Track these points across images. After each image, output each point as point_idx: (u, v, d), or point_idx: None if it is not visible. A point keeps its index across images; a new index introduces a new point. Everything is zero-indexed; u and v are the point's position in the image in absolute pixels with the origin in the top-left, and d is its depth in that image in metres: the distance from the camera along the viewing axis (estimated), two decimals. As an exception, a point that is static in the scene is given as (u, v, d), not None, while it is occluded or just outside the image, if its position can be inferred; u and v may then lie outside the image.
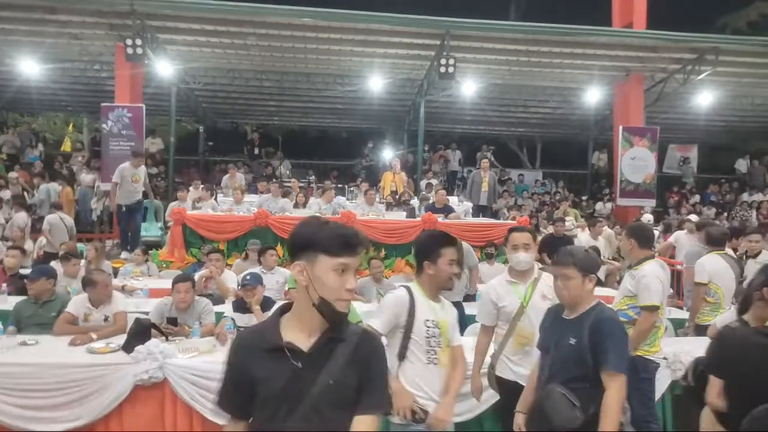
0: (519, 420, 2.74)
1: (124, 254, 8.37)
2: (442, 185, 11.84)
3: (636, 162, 12.99)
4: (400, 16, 10.58)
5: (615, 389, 2.35)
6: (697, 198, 15.75)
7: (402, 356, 2.65)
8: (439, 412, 2.62)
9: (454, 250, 2.75)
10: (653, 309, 3.43)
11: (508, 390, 3.08)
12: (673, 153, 18.18)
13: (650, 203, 13.15)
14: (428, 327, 2.65)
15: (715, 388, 2.48)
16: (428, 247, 2.75)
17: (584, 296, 2.54)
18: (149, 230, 9.36)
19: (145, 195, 9.17)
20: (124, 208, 8.57)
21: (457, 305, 5.21)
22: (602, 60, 12.13)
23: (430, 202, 9.77)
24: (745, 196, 15.63)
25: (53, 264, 5.90)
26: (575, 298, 2.53)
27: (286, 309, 1.61)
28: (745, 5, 21.41)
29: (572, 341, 2.46)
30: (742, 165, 17.97)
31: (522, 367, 3.05)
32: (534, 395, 2.65)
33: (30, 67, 12.47)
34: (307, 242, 1.50)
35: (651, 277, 3.45)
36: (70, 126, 18.46)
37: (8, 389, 3.55)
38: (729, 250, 5.31)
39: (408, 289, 2.75)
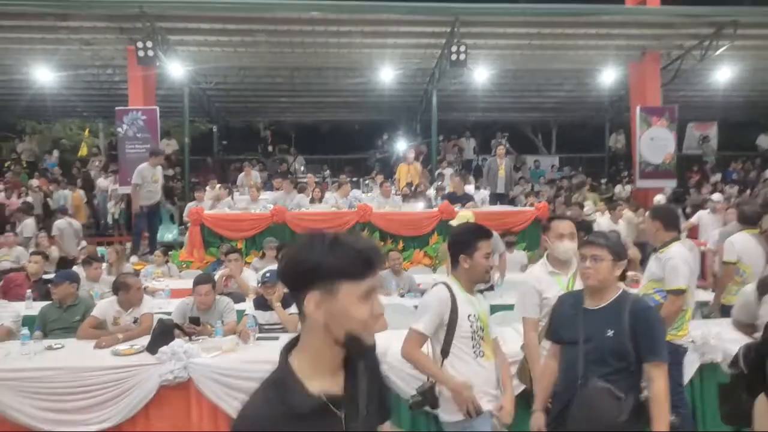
0: (539, 420, 2.62)
1: (133, 258, 8.39)
2: (458, 173, 11.76)
3: (655, 142, 12.77)
4: (408, 4, 10.48)
5: (663, 379, 2.33)
6: (718, 177, 15.43)
7: (446, 353, 2.63)
8: (508, 405, 2.64)
9: (490, 243, 2.74)
10: (680, 293, 3.35)
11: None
12: (692, 132, 17.83)
13: (671, 184, 12.94)
14: (471, 321, 2.64)
15: None
16: (464, 241, 2.72)
17: (611, 281, 2.46)
18: (165, 234, 9.46)
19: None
20: (144, 209, 8.66)
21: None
22: (616, 39, 11.90)
23: (447, 191, 9.70)
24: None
25: (74, 268, 5.96)
26: (603, 282, 2.44)
27: (288, 348, 1.31)
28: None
29: (610, 333, 2.36)
30: (764, 141, 17.58)
31: None
32: (559, 392, 2.56)
33: (44, 75, 12.62)
34: (319, 269, 1.20)
35: (678, 260, 3.37)
36: (86, 131, 18.68)
37: (36, 393, 3.59)
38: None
39: (446, 285, 2.71)
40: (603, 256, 2.43)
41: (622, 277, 2.60)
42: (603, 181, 14.92)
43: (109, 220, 11.71)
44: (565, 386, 2.50)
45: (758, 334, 2.87)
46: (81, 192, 11.91)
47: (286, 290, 4.66)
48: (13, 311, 4.55)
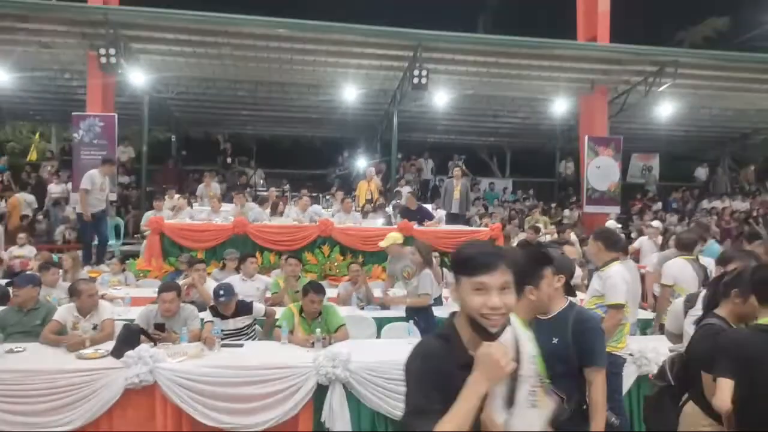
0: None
1: (86, 268, 8.20)
2: (414, 193, 12.08)
3: (601, 170, 13.47)
4: (373, 28, 10.79)
5: (600, 383, 2.54)
6: (659, 205, 16.37)
7: (511, 403, 2.18)
8: None
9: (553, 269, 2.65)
10: (619, 307, 3.68)
11: None
12: (635, 162, 18.90)
13: (615, 210, 13.64)
14: (533, 364, 2.26)
15: (725, 389, 2.43)
16: (529, 269, 2.54)
17: (553, 294, 2.64)
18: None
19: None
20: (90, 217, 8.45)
21: (426, 309, 5.39)
22: (568, 72, 12.60)
23: (404, 204, 9.94)
24: (705, 203, 16.33)
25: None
26: (545, 294, 2.62)
27: (454, 313, 1.66)
28: (701, 20, 22.42)
29: (555, 341, 2.56)
30: (701, 173, 18.81)
31: None
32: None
33: (-2, 75, 12.28)
34: (454, 264, 1.63)
35: (617, 278, 3.70)
36: (37, 135, 18.15)
37: (-2, 396, 3.59)
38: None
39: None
40: (544, 273, 2.60)
41: (572, 293, 2.78)
42: (553, 205, 15.57)
43: (57, 235, 11.21)
44: None
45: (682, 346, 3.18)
46: (18, 197, 11.48)
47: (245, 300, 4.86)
48: None
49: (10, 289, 5.13)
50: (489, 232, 8.64)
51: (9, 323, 4.45)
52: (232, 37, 10.81)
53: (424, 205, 10.14)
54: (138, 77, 11.68)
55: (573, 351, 2.54)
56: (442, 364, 1.53)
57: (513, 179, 18.78)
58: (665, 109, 14.22)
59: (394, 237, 6.25)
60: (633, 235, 12.34)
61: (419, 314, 5.27)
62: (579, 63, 12.19)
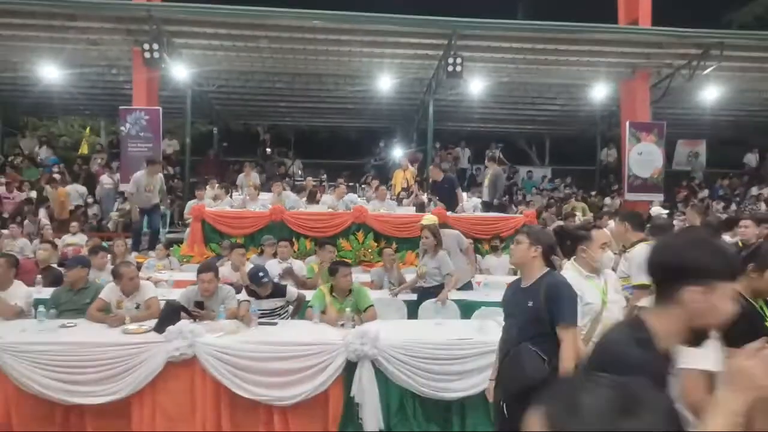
0: (490, 387, 3.09)
1: (134, 253, 8.60)
2: (433, 163, 12.06)
3: (643, 157, 13.16)
4: (407, 17, 10.82)
5: (569, 339, 2.73)
6: (705, 192, 15.86)
7: None
8: None
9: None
10: (645, 287, 3.66)
11: None
12: (681, 148, 18.31)
13: (658, 197, 13.29)
14: None
15: None
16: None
17: (529, 261, 2.91)
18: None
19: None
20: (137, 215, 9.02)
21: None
22: (608, 57, 12.31)
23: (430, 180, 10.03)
24: (754, 190, 15.74)
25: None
26: (520, 260, 2.94)
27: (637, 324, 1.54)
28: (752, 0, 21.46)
29: (530, 304, 2.81)
30: (750, 159, 18.07)
31: None
32: (500, 357, 2.99)
33: (50, 72, 12.85)
34: (703, 269, 1.43)
35: (642, 258, 3.69)
36: (87, 129, 18.98)
37: (50, 365, 3.88)
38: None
39: None
40: (521, 240, 2.94)
41: (551, 264, 2.98)
42: (593, 193, 15.30)
43: (110, 225, 11.81)
44: (504, 351, 2.94)
45: None
46: (65, 189, 12.05)
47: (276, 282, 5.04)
48: (25, 292, 4.82)
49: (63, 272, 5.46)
50: (523, 218, 8.61)
51: (61, 301, 4.77)
52: (269, 30, 11.03)
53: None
54: (180, 71, 12.07)
55: (545, 312, 2.76)
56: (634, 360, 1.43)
57: (552, 167, 18.52)
58: (711, 93, 13.75)
59: (432, 219, 6.37)
60: (676, 222, 12.01)
61: (427, 295, 5.42)
62: (619, 47, 11.88)
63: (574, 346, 2.74)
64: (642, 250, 3.73)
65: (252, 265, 6.21)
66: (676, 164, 17.98)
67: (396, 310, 5.61)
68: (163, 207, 9.79)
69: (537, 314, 2.79)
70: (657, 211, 11.44)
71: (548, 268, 2.93)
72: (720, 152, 18.88)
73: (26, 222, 9.66)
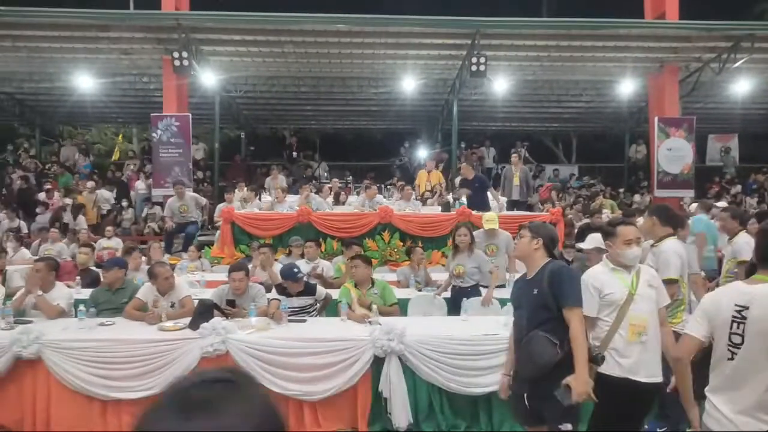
0: (503, 381, 3.16)
1: (166, 255, 8.87)
2: (466, 160, 12.05)
3: (673, 153, 12.93)
4: (430, 18, 10.86)
5: (577, 320, 2.80)
6: (738, 188, 15.50)
7: None
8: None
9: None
10: (672, 282, 3.65)
11: (614, 390, 2.90)
12: (713, 143, 17.92)
13: (689, 194, 13.06)
14: None
15: None
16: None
17: (531, 253, 3.04)
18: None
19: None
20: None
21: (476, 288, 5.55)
22: (635, 52, 12.14)
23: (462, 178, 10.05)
24: (788, 185, 15.31)
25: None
26: (523, 252, 3.08)
27: None
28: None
29: (535, 292, 2.92)
30: (786, 153, 17.58)
31: (630, 359, 2.92)
32: (514, 348, 3.07)
33: (84, 82, 13.28)
34: None
35: (670, 253, 3.68)
36: (120, 136, 19.54)
37: (91, 362, 4.06)
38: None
39: None
40: (524, 234, 3.09)
41: (553, 256, 3.09)
42: (621, 190, 15.09)
43: (146, 229, 12.13)
44: (517, 341, 3.02)
45: None
46: (92, 195, 12.34)
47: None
48: (66, 293, 5.03)
49: (100, 273, 5.67)
50: (549, 216, 8.57)
51: (99, 301, 4.97)
52: (294, 35, 11.21)
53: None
54: (209, 78, 12.34)
55: (551, 297, 2.85)
56: None
57: (579, 165, 18.31)
58: (742, 87, 13.43)
59: (493, 217, 6.65)
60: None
61: (464, 294, 5.41)
62: (646, 42, 11.71)
63: (582, 327, 2.81)
64: (670, 246, 3.72)
65: (281, 265, 6.36)
66: (709, 160, 17.61)
67: (438, 308, 5.65)
68: (200, 219, 10.16)
69: (543, 300, 2.88)
70: (694, 208, 11.24)
71: (549, 258, 3.04)
72: (753, 147, 18.42)
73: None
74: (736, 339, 2.22)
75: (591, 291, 3.02)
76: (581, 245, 4.51)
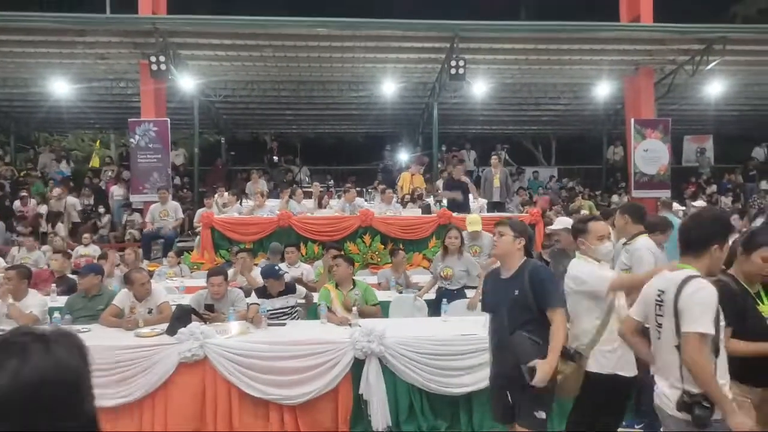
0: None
1: (145, 261, 8.80)
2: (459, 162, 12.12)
3: (649, 154, 13.15)
4: (409, 21, 10.92)
5: (559, 320, 2.90)
6: (714, 188, 15.79)
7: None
8: None
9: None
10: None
11: (602, 386, 3.06)
12: (689, 144, 18.25)
13: (665, 194, 13.24)
14: None
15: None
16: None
17: (513, 253, 3.04)
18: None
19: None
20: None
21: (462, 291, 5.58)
22: (611, 55, 12.33)
23: (448, 177, 10.12)
24: (763, 184, 15.63)
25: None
26: (505, 252, 3.05)
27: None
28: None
29: (516, 293, 2.93)
30: (759, 153, 17.95)
31: (616, 354, 3.05)
32: (493, 350, 3.11)
33: (60, 88, 13.07)
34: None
35: (643, 250, 3.74)
36: (97, 143, 19.26)
37: (67, 370, 3.98)
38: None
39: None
40: (505, 232, 3.05)
41: (529, 254, 3.13)
42: (598, 192, 15.29)
43: (127, 235, 11.97)
44: (495, 342, 3.06)
45: None
46: (57, 203, 12.07)
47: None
48: (40, 300, 4.94)
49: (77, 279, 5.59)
50: (528, 217, 8.65)
51: (76, 308, 4.90)
52: (273, 39, 11.17)
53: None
54: (187, 83, 12.25)
55: (532, 298, 2.90)
56: None
57: (559, 167, 18.51)
58: (714, 88, 13.70)
59: (477, 219, 6.71)
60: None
61: (450, 296, 5.43)
62: (621, 45, 11.90)
63: (564, 326, 2.91)
64: (643, 244, 3.78)
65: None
66: (685, 161, 17.93)
67: (418, 309, 5.65)
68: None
69: (524, 301, 2.91)
70: (675, 207, 11.43)
71: (526, 257, 3.08)
72: (726, 148, 18.81)
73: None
74: (660, 320, 2.48)
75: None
76: (550, 227, 4.66)
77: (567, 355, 2.98)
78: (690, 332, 2.26)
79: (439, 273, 5.66)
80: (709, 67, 12.11)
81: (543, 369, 2.76)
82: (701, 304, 2.28)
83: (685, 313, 2.30)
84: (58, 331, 1.04)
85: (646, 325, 2.60)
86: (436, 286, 5.77)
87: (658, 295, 2.48)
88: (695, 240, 2.47)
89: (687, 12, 15.12)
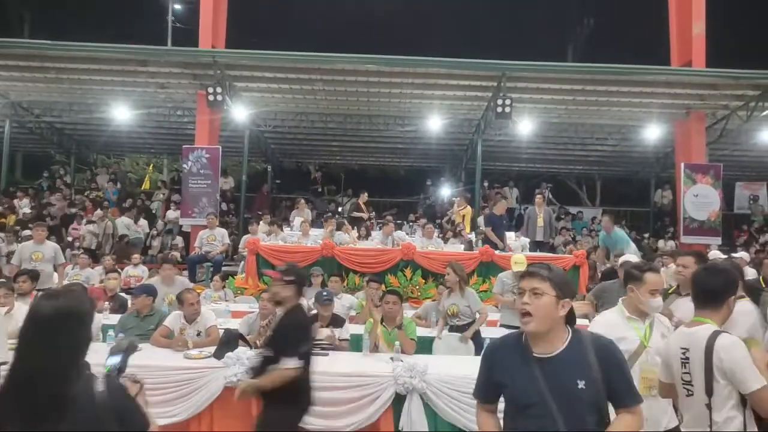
0: None
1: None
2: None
3: (699, 199, 12.82)
4: (457, 60, 11.08)
5: (638, 423, 2.06)
6: (767, 236, 15.21)
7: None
8: None
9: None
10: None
11: None
12: (741, 191, 17.73)
13: (716, 241, 12.87)
14: None
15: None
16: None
17: (555, 323, 2.07)
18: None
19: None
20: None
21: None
22: (661, 98, 12.20)
23: (490, 212, 10.15)
24: (820, 234, 15.00)
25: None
26: (543, 321, 2.04)
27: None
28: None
29: (581, 384, 1.98)
30: (816, 202, 17.28)
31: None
32: None
33: (121, 114, 13.76)
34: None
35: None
36: (150, 166, 20.09)
37: (119, 387, 4.12)
38: None
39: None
40: (544, 290, 2.06)
41: (572, 321, 2.15)
42: (646, 235, 14.93)
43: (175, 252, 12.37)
44: None
45: None
46: (100, 223, 12.54)
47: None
48: (94, 318, 5.14)
49: (128, 299, 5.80)
50: (573, 259, 8.54)
51: (128, 326, 5.08)
52: (324, 74, 11.54)
53: (508, 234, 10.21)
54: (240, 113, 12.72)
55: (603, 392, 2.00)
56: None
57: (603, 208, 18.20)
58: (769, 135, 13.35)
59: (521, 259, 6.57)
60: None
61: (461, 331, 5.46)
62: (672, 88, 11.77)
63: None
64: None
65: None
66: (738, 207, 17.40)
67: (465, 348, 5.61)
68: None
69: (596, 397, 2.00)
70: (715, 255, 11.07)
71: (570, 328, 2.13)
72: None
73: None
74: (687, 377, 2.49)
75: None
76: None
77: None
78: (756, 389, 2.31)
79: (446, 311, 5.67)
80: (764, 113, 11.83)
81: None
82: (745, 357, 2.35)
83: (738, 374, 2.34)
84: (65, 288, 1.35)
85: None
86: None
87: (683, 353, 2.50)
88: (712, 294, 2.54)
89: (740, 57, 14.86)
